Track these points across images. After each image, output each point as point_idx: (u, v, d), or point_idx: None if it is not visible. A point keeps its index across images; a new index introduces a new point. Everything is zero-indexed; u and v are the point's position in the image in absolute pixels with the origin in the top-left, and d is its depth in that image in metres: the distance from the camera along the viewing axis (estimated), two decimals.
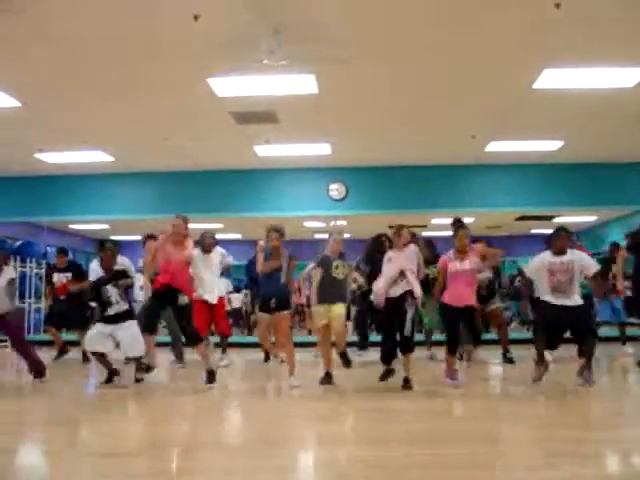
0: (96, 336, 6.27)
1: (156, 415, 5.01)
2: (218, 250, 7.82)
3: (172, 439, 4.08)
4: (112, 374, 6.35)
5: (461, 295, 6.06)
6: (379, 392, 5.75)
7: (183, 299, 6.13)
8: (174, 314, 6.44)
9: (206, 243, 7.62)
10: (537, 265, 5.99)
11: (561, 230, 6.02)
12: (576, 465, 3.35)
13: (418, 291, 5.84)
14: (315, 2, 5.09)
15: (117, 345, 6.32)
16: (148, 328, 6.26)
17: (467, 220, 13.66)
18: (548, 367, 6.05)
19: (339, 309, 6.32)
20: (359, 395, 5.53)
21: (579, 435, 4.08)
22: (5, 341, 10.10)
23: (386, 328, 6.11)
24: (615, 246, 8.83)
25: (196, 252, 7.32)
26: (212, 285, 7.51)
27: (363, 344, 8.58)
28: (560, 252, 5.89)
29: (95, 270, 7.77)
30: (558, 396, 5.70)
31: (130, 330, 6.24)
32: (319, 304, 6.39)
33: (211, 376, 6.07)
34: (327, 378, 6.23)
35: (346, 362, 6.47)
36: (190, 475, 3.34)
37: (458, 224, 6.54)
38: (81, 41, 5.65)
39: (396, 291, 5.91)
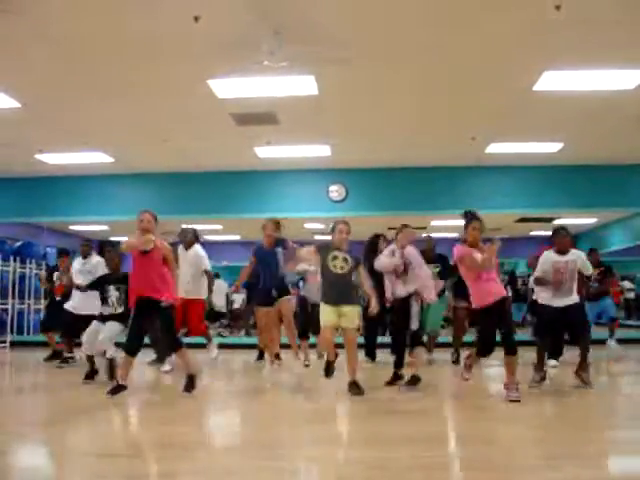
0: (93, 340, 6.36)
1: (154, 416, 5.00)
2: (196, 249, 7.63)
3: (170, 440, 4.07)
4: (93, 373, 6.52)
5: (490, 290, 5.29)
6: (379, 393, 5.74)
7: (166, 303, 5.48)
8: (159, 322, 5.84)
9: (187, 239, 7.55)
10: (546, 267, 6.01)
11: (561, 229, 6.09)
12: (577, 466, 3.35)
13: (430, 292, 6.00)
14: (315, 3, 5.09)
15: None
16: (131, 351, 5.54)
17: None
18: (545, 376, 6.06)
19: (351, 313, 5.57)
20: (360, 396, 5.50)
21: (580, 436, 4.07)
22: (4, 342, 10.12)
23: (397, 329, 6.17)
24: (592, 251, 8.73)
25: (178, 248, 7.47)
26: (187, 283, 7.27)
27: (371, 352, 8.25)
28: (563, 251, 5.96)
29: (76, 269, 7.73)
30: (558, 397, 5.70)
31: (111, 329, 6.33)
32: (326, 303, 5.61)
33: (191, 382, 5.54)
34: (329, 368, 5.73)
35: (357, 391, 5.52)
36: (188, 476, 3.33)
37: (470, 215, 5.67)
38: (81, 42, 5.66)
39: (402, 291, 5.98)
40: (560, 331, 6.12)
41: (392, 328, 6.59)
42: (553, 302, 5.92)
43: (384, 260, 6.09)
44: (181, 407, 5.28)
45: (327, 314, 5.53)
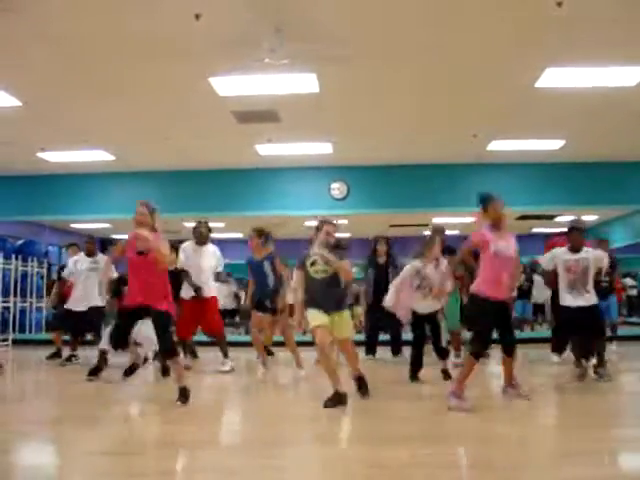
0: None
1: (157, 414, 5.01)
2: (212, 248, 7.27)
3: (173, 438, 4.08)
4: (99, 369, 6.42)
5: (504, 285, 4.84)
6: (380, 392, 5.73)
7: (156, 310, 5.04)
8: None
9: (202, 233, 7.11)
10: (549, 257, 6.15)
11: (576, 228, 6.15)
12: (582, 465, 3.33)
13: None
14: (316, 1, 5.08)
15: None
16: (117, 346, 5.29)
17: (468, 220, 13.67)
18: (586, 372, 6.13)
19: (343, 321, 5.02)
20: (367, 397, 5.48)
21: (585, 434, 4.05)
22: (6, 340, 10.14)
23: (417, 343, 6.19)
24: (601, 242, 8.72)
25: (188, 244, 7.16)
26: (203, 281, 6.98)
27: (371, 348, 8.27)
28: (575, 249, 6.04)
29: (85, 267, 7.68)
30: (561, 395, 5.70)
31: (148, 326, 6.34)
32: (313, 308, 4.99)
33: (183, 394, 5.09)
34: (335, 398, 4.90)
35: (364, 387, 5.22)
36: (191, 474, 3.34)
37: (485, 199, 5.41)
38: (82, 40, 5.65)
39: (425, 308, 6.02)
40: (575, 330, 6.18)
41: (414, 340, 6.31)
42: (572, 302, 5.97)
43: (391, 294, 6.11)
44: (183, 406, 5.28)
45: (316, 316, 4.93)
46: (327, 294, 4.94)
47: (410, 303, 6.05)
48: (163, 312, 5.05)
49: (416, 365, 6.17)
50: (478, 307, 4.87)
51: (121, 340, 5.25)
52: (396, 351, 8.38)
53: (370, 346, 8.30)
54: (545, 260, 6.24)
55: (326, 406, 4.82)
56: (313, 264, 4.97)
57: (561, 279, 6.08)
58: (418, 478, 3.23)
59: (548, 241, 7.71)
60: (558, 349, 7.39)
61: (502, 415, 4.82)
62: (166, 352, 5.28)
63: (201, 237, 7.13)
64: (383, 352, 8.38)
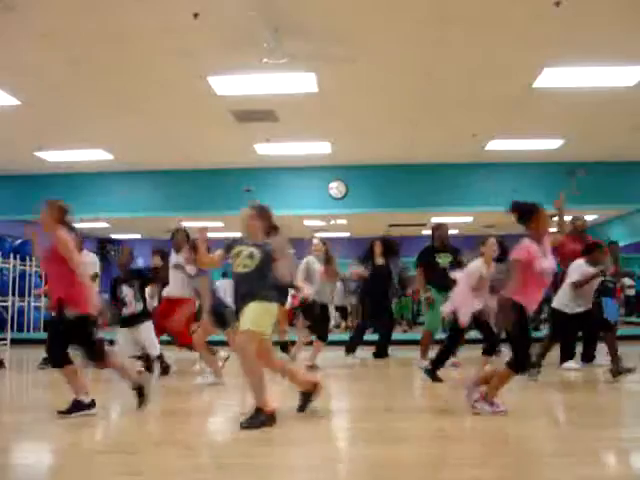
0: (124, 347, 6.53)
1: (153, 413, 5.00)
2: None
3: (170, 437, 4.07)
4: (166, 370, 6.71)
5: (537, 299, 4.60)
6: (381, 391, 5.73)
7: (71, 314, 4.46)
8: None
9: (178, 239, 6.92)
10: (578, 272, 6.26)
11: (596, 247, 6.37)
12: (584, 464, 3.32)
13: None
14: (316, 0, 5.07)
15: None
16: (56, 363, 4.64)
17: (466, 219, 13.65)
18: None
19: (246, 314, 4.21)
20: (362, 393, 5.50)
21: (587, 434, 4.04)
22: (4, 339, 10.13)
23: (452, 339, 6.12)
24: (612, 244, 8.73)
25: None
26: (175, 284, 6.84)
27: (352, 346, 8.07)
28: (594, 265, 6.25)
29: None
30: (563, 395, 5.69)
31: (149, 331, 6.53)
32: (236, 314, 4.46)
33: (141, 393, 4.73)
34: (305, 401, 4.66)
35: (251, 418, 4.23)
36: (189, 473, 3.33)
37: (532, 206, 4.98)
38: (80, 39, 5.64)
39: (478, 305, 5.90)
40: (574, 334, 6.40)
41: (451, 336, 6.18)
42: (573, 309, 6.23)
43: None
44: (181, 404, 5.28)
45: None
46: (244, 289, 4.30)
47: (471, 304, 5.85)
48: (71, 318, 4.48)
49: (443, 360, 6.02)
50: (522, 319, 4.42)
51: (58, 357, 4.57)
52: (382, 354, 8.15)
53: (351, 345, 8.12)
54: (576, 277, 6.29)
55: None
56: (237, 256, 4.33)
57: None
58: (419, 476, 3.22)
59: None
60: (569, 356, 7.06)
61: (508, 414, 4.80)
62: (93, 356, 4.76)
63: (176, 244, 6.94)
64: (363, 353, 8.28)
